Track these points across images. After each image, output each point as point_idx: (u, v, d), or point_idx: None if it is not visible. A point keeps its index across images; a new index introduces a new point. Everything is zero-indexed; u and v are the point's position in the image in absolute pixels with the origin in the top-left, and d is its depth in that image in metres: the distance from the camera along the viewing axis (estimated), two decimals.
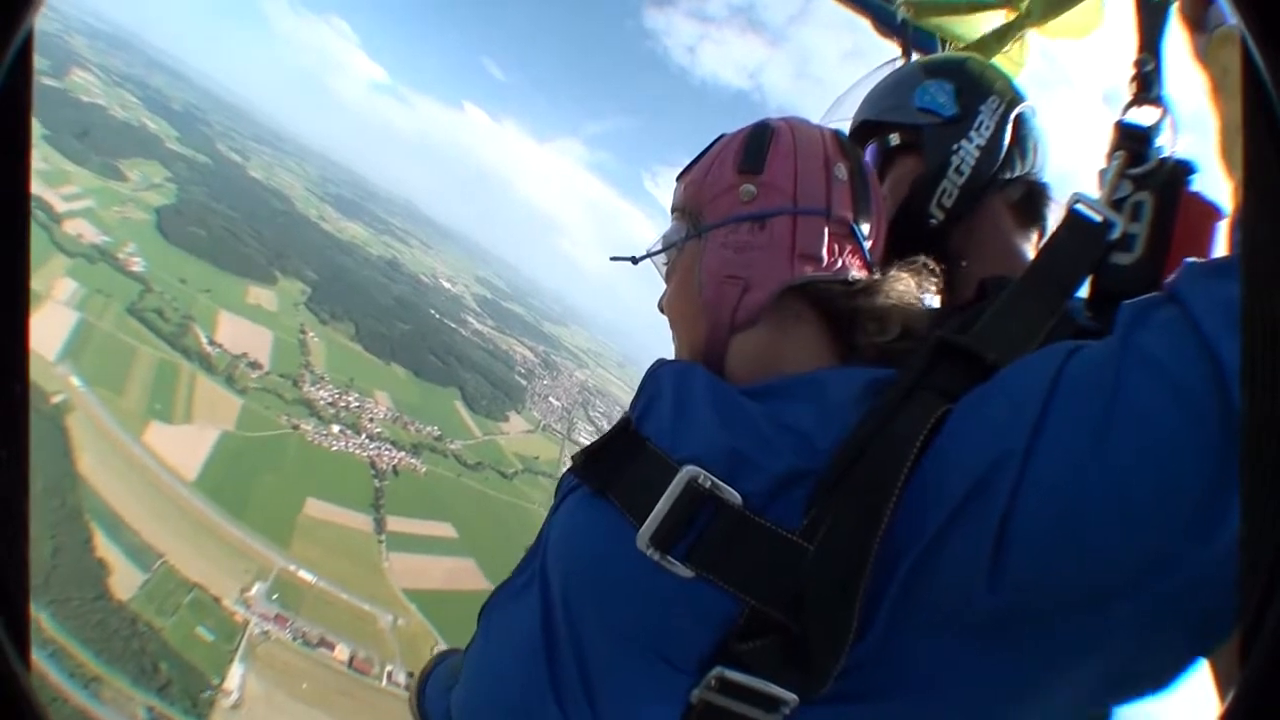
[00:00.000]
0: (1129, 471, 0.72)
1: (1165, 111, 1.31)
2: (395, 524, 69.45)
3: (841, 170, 1.27)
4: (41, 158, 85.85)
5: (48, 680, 38.06)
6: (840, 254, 1.24)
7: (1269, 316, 0.53)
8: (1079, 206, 1.22)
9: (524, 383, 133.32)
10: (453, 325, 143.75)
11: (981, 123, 1.63)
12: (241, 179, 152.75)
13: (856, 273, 1.24)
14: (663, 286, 1.46)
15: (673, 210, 1.41)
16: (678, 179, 1.44)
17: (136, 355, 70.00)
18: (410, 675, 44.83)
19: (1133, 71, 1.35)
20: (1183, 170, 1.27)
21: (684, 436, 1.03)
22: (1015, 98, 1.69)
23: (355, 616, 56.74)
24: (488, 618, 1.28)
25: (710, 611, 0.92)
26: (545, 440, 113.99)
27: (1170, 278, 0.85)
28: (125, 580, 46.28)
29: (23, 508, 0.50)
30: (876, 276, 1.25)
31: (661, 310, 1.45)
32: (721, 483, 0.94)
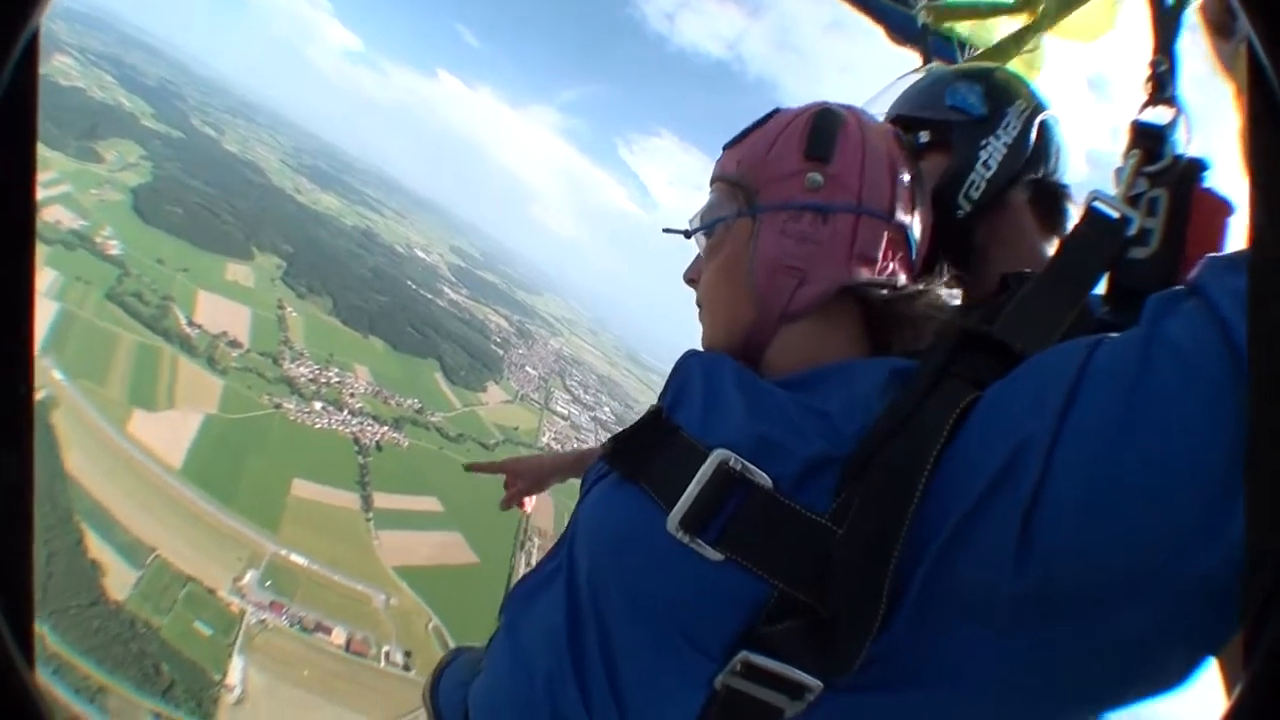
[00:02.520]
0: (1154, 457, 0.73)
1: (1179, 111, 1.36)
2: (382, 500, 68.47)
3: (905, 175, 1.28)
4: None
5: (56, 700, 36.32)
6: (893, 259, 1.25)
7: (1275, 322, 0.55)
8: (1097, 204, 1.24)
9: (500, 352, 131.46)
10: (429, 296, 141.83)
11: (1009, 123, 1.73)
12: (216, 153, 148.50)
13: (903, 279, 1.26)
14: (680, 263, 1.47)
15: (715, 181, 1.38)
16: (725, 148, 1.39)
17: (117, 342, 67.73)
18: (407, 654, 43.14)
19: (1148, 72, 1.40)
20: (1196, 167, 1.31)
21: (715, 423, 1.04)
22: (1039, 105, 1.78)
23: (349, 598, 55.85)
24: (510, 609, 1.29)
25: (738, 594, 0.92)
26: (524, 410, 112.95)
27: (1193, 272, 0.86)
28: (119, 580, 44.93)
29: (27, 508, 0.50)
30: (920, 285, 1.25)
31: (689, 283, 1.43)
32: (752, 466, 0.94)
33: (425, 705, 1.52)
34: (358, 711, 46.32)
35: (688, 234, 1.42)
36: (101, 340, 66.82)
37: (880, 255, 1.22)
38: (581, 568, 1.10)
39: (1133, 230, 1.23)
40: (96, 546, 45.88)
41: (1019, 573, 0.77)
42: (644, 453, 1.08)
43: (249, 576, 52.11)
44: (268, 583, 52.91)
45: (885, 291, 1.22)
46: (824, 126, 1.25)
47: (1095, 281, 1.20)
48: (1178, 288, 0.84)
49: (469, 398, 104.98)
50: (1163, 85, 1.36)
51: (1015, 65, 2.28)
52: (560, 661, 1.07)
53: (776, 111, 1.35)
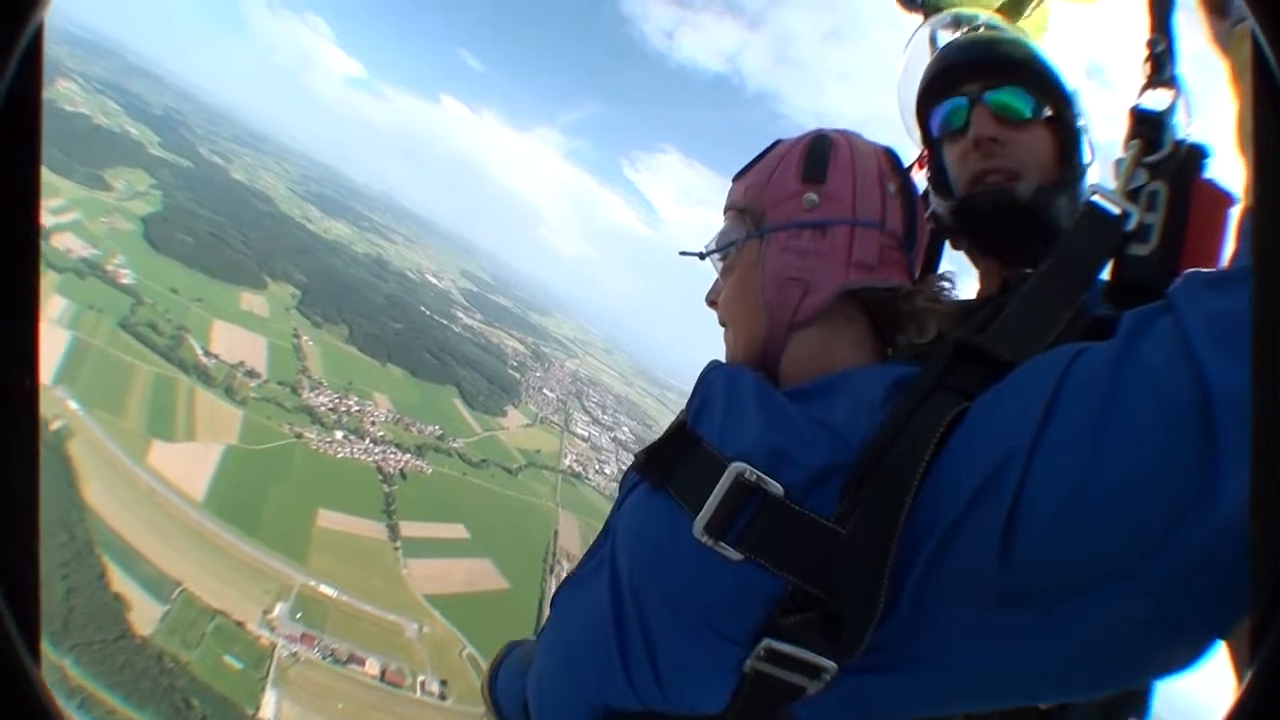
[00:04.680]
0: (1122, 472, 0.81)
1: (1178, 93, 1.39)
2: (409, 529, 67.37)
3: (893, 187, 1.39)
4: None
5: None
6: (889, 263, 1.35)
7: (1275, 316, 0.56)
8: (1095, 199, 1.30)
9: (517, 376, 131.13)
10: (444, 321, 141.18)
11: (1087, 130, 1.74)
12: (225, 182, 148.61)
13: (901, 280, 1.36)
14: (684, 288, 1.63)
15: (728, 209, 1.51)
16: (734, 180, 1.54)
17: (133, 372, 66.64)
18: (443, 683, 40.44)
19: (1145, 53, 1.42)
20: (1195, 156, 1.34)
21: (732, 436, 1.16)
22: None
23: (381, 628, 54.51)
24: (559, 603, 1.43)
25: (758, 590, 1.04)
26: (544, 433, 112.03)
27: (1173, 285, 0.90)
28: (145, 614, 43.61)
29: (33, 502, 0.49)
30: (919, 285, 1.39)
31: (710, 304, 1.57)
32: (766, 476, 1.06)
33: (484, 699, 1.71)
34: None
35: (702, 256, 1.56)
36: (116, 370, 65.79)
37: (876, 260, 1.33)
38: (623, 569, 1.23)
39: (1132, 225, 1.28)
40: (120, 580, 44.62)
41: (1003, 567, 0.86)
42: (671, 463, 1.22)
43: (279, 609, 50.78)
44: (298, 615, 51.58)
45: (886, 292, 1.35)
46: (818, 151, 1.39)
47: (1092, 281, 1.24)
48: (1154, 304, 0.90)
49: (489, 422, 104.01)
50: (1161, 66, 1.39)
51: (1025, 25, 2.13)
52: (608, 651, 1.21)
53: (778, 143, 1.49)
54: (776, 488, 1.05)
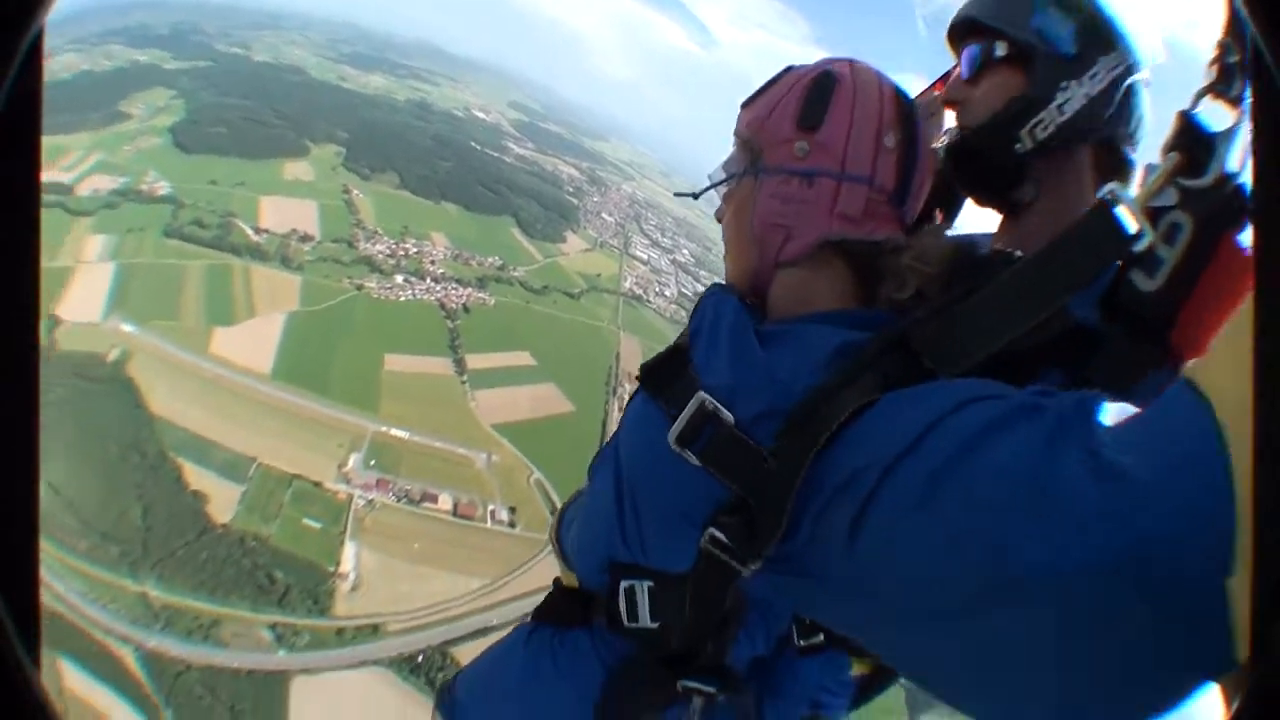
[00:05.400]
0: (935, 532, 0.94)
1: (1242, 117, 1.17)
2: (475, 361, 68.11)
3: (891, 139, 1.44)
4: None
5: (166, 656, 37.93)
6: (874, 218, 1.43)
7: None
8: (1113, 202, 1.18)
9: (575, 201, 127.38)
10: (495, 154, 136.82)
11: (1096, 74, 1.61)
12: (249, 68, 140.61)
13: (887, 234, 1.45)
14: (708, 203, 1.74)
15: (735, 135, 1.62)
16: (742, 106, 1.62)
17: (184, 273, 66.77)
18: (512, 510, 43.28)
19: (1214, 53, 1.21)
20: (1237, 203, 1.18)
21: (705, 368, 1.35)
22: (1133, 65, 1.65)
23: (452, 463, 56.60)
24: (592, 474, 1.75)
25: (709, 491, 1.27)
26: (605, 257, 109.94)
27: (1075, 402, 0.93)
28: (223, 501, 45.60)
29: (32, 503, 0.49)
30: (902, 240, 1.46)
31: (719, 220, 1.70)
32: (722, 408, 1.26)
33: (552, 543, 2.02)
34: (471, 575, 47.38)
35: (695, 196, 1.73)
36: (166, 277, 65.80)
37: (860, 214, 1.42)
38: (622, 458, 1.53)
39: (1141, 247, 1.16)
40: (196, 477, 46.14)
41: (848, 556, 1.05)
42: (666, 378, 1.41)
43: (352, 460, 52.47)
44: (371, 462, 53.27)
45: (869, 245, 1.44)
46: (817, 95, 1.44)
47: (1079, 289, 1.15)
48: (1045, 402, 0.97)
49: (549, 249, 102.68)
50: (1230, 77, 1.18)
51: None
52: (610, 518, 1.53)
53: (789, 70, 1.56)
54: (729, 417, 1.25)
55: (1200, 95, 1.19)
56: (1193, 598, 0.75)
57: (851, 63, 1.51)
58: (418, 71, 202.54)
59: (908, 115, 1.48)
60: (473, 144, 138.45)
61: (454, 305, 76.53)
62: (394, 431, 56.82)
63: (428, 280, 79.61)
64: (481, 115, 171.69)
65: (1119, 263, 1.27)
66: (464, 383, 66.07)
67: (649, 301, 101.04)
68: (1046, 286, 1.17)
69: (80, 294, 58.88)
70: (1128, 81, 1.61)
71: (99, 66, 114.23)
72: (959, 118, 1.82)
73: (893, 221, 1.47)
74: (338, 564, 45.15)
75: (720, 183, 1.64)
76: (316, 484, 49.97)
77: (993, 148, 1.69)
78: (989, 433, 0.95)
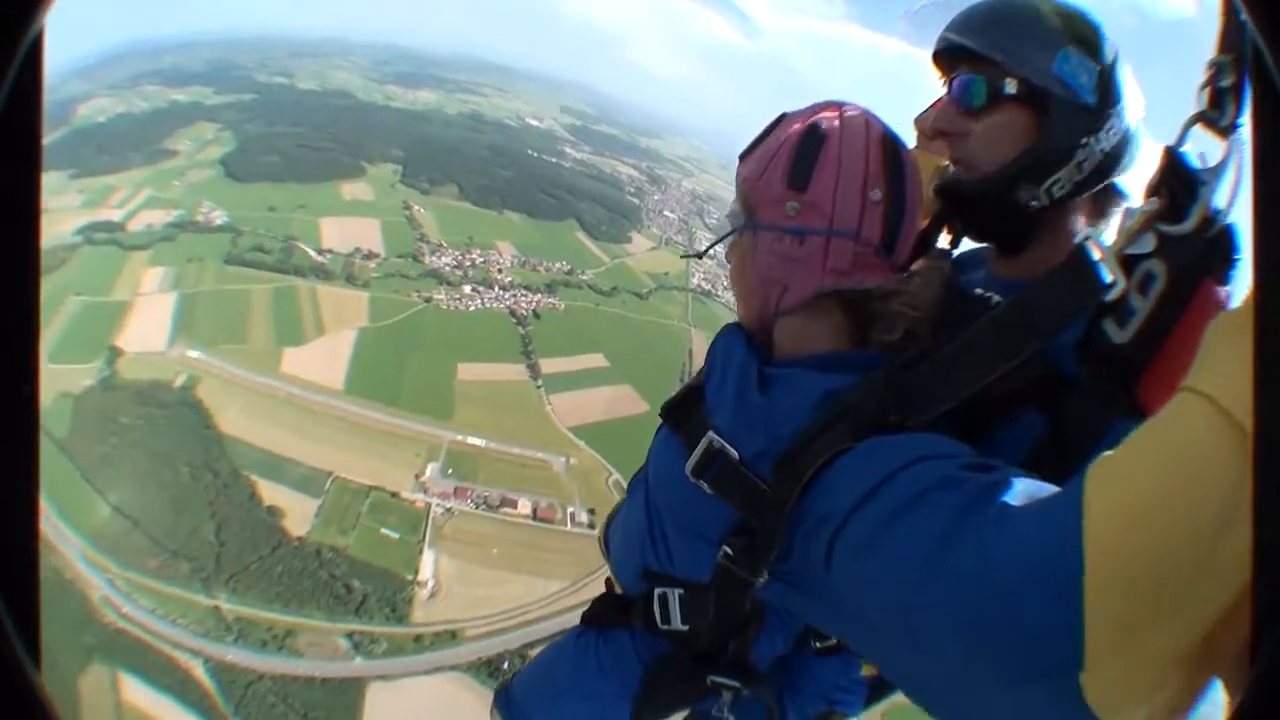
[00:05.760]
0: (882, 568, 1.11)
1: (1233, 150, 1.08)
2: (548, 365, 68.20)
3: (877, 192, 1.52)
4: (77, 190, 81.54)
5: (238, 669, 38.39)
6: (863, 268, 1.54)
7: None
8: (1089, 248, 1.21)
9: (636, 201, 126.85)
10: (552, 160, 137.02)
11: (1113, 127, 1.56)
12: (294, 96, 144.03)
13: (877, 282, 1.56)
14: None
15: (736, 187, 1.73)
16: (740, 158, 1.73)
17: (248, 297, 68.22)
18: (591, 512, 41.99)
19: (1206, 75, 1.12)
20: (1219, 248, 1.13)
21: (715, 409, 1.56)
22: (1134, 109, 1.61)
23: (529, 468, 56.49)
24: (629, 492, 2.08)
25: (720, 516, 1.49)
26: (670, 254, 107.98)
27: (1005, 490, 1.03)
28: (299, 515, 46.14)
29: (33, 504, 0.49)
30: (892, 286, 1.57)
31: (728, 262, 1.82)
32: (728, 445, 1.47)
33: (600, 547, 2.32)
34: (550, 578, 47.06)
35: (699, 256, 2.19)
36: (231, 302, 66.94)
37: (849, 267, 1.53)
38: (650, 483, 1.83)
39: (1113, 297, 1.18)
40: (270, 493, 46.69)
41: (826, 582, 1.22)
42: (684, 414, 1.65)
43: (430, 470, 52.67)
44: (449, 470, 53.44)
45: (859, 294, 1.56)
46: (805, 154, 1.53)
47: (1052, 337, 1.20)
48: (965, 476, 1.09)
49: (615, 250, 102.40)
50: (1221, 103, 1.09)
51: None
52: (643, 534, 1.81)
53: (782, 119, 1.66)
54: (734, 454, 1.45)
55: (1189, 125, 1.14)
56: (1046, 682, 0.88)
57: (841, 111, 1.58)
58: (465, 84, 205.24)
59: (894, 164, 1.54)
60: (529, 151, 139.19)
61: (524, 311, 76.56)
62: (470, 439, 56.95)
63: (496, 289, 79.91)
64: (535, 122, 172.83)
65: (1083, 317, 1.27)
66: (539, 387, 66.03)
67: (718, 296, 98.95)
68: (1012, 339, 1.23)
69: (141, 325, 60.76)
70: (1132, 127, 1.58)
71: (135, 108, 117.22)
72: (954, 150, 1.72)
73: (882, 269, 1.56)
74: (416, 572, 45.23)
75: (724, 237, 1.76)
76: (394, 494, 50.20)
77: (1001, 201, 1.61)
78: (915, 501, 1.09)
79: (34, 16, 0.46)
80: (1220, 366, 0.82)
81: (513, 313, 76.16)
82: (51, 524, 42.12)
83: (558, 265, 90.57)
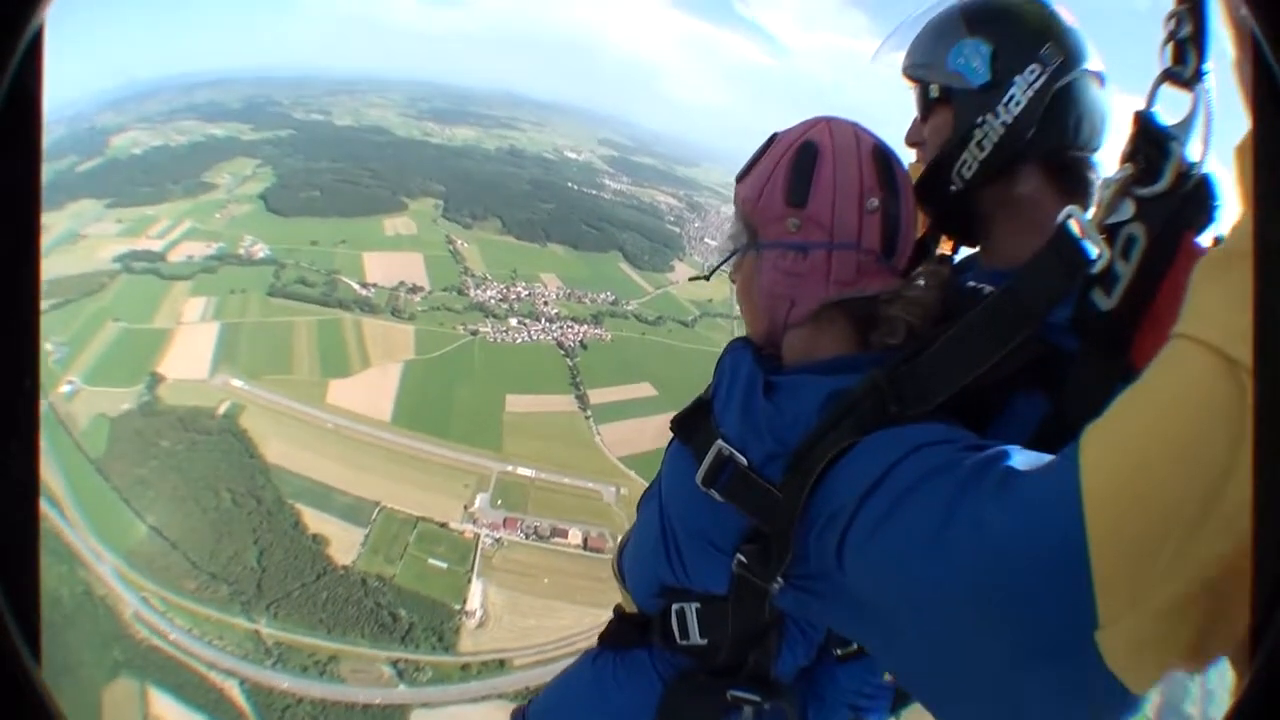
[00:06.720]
0: (890, 553, 1.11)
1: (1199, 101, 1.11)
2: (597, 396, 67.81)
3: (874, 202, 1.54)
4: (115, 220, 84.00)
5: (276, 692, 38.18)
6: (866, 276, 1.56)
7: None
8: (1070, 225, 1.21)
9: (676, 229, 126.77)
10: (593, 192, 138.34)
11: (1012, 97, 1.58)
12: (332, 132, 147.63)
13: (879, 288, 1.57)
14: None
15: (735, 209, 1.76)
16: (737, 180, 1.76)
17: (293, 329, 69.23)
18: None
19: (1166, 30, 1.13)
20: (1198, 200, 1.15)
21: (723, 419, 1.58)
22: (1065, 64, 1.57)
23: (580, 498, 55.96)
24: (640, 509, 2.05)
25: (732, 523, 1.51)
26: (714, 281, 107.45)
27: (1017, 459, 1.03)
28: (345, 545, 46.00)
29: (33, 503, 0.49)
30: (894, 290, 1.58)
31: (733, 280, 1.84)
32: (737, 453, 1.48)
33: (615, 574, 2.18)
34: (600, 607, 45.48)
35: (707, 277, 2.02)
36: (276, 335, 67.85)
37: (853, 276, 1.55)
38: (663, 496, 1.82)
39: (1098, 268, 1.18)
40: (315, 521, 46.74)
41: (839, 576, 1.22)
42: (694, 427, 1.65)
43: (479, 501, 52.41)
44: (498, 502, 53.13)
45: (862, 300, 1.58)
46: (801, 170, 1.56)
47: (1042, 316, 1.21)
48: (961, 458, 1.09)
49: (658, 279, 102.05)
50: (1183, 55, 1.10)
51: None
52: (657, 548, 1.79)
53: (774, 139, 1.69)
54: (743, 461, 1.47)
55: (1156, 85, 1.14)
56: (1063, 650, 0.87)
57: (830, 125, 1.61)
58: (502, 120, 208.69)
59: (887, 172, 1.57)
60: (570, 184, 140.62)
61: (571, 343, 76.59)
62: (520, 470, 56.57)
63: (542, 321, 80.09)
64: (573, 155, 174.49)
65: (1073, 293, 1.27)
66: (588, 418, 65.66)
67: None
68: (1002, 323, 1.24)
69: (183, 353, 61.81)
70: (1056, 86, 1.56)
71: (173, 141, 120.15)
72: (923, 157, 1.83)
73: (884, 275, 1.58)
74: (464, 601, 44.80)
75: (728, 259, 1.78)
76: (442, 525, 49.94)
77: (932, 191, 1.71)
78: (916, 487, 1.10)
79: (33, 14, 0.46)
80: (1204, 308, 0.81)
81: (560, 344, 76.18)
82: (83, 540, 42.95)
83: (603, 296, 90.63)
